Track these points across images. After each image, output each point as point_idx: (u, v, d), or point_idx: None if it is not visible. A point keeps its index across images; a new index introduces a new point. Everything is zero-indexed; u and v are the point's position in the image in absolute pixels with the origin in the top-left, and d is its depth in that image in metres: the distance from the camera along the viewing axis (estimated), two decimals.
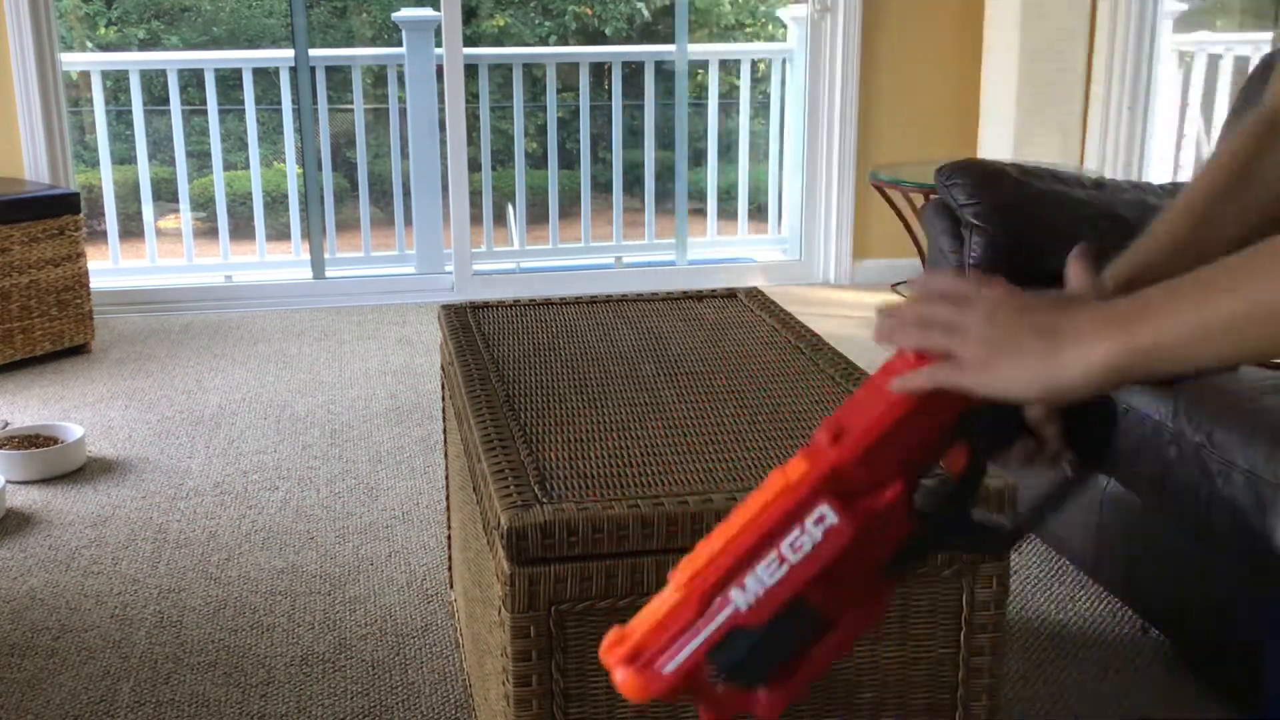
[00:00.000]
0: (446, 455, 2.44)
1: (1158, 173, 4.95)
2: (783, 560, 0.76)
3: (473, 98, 5.18)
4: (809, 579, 0.76)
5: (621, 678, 0.78)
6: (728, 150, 6.15)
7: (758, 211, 5.82)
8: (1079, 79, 4.75)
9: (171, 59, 6.82)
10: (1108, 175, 4.12)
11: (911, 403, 0.78)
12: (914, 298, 0.80)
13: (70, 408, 3.69)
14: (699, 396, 1.87)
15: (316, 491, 3.11)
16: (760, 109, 6.13)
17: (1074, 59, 4.72)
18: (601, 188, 6.04)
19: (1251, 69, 3.22)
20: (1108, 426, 0.87)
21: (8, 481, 3.09)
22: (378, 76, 6.47)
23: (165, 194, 5.88)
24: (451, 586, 2.51)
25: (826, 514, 0.76)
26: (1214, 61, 5.14)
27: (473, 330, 2.21)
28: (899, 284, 4.98)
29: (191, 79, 5.74)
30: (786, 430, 1.73)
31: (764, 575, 0.76)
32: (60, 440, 3.26)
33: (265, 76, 5.89)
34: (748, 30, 8.49)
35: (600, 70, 6.64)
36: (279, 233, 5.81)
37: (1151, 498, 2.25)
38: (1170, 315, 0.68)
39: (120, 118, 6.16)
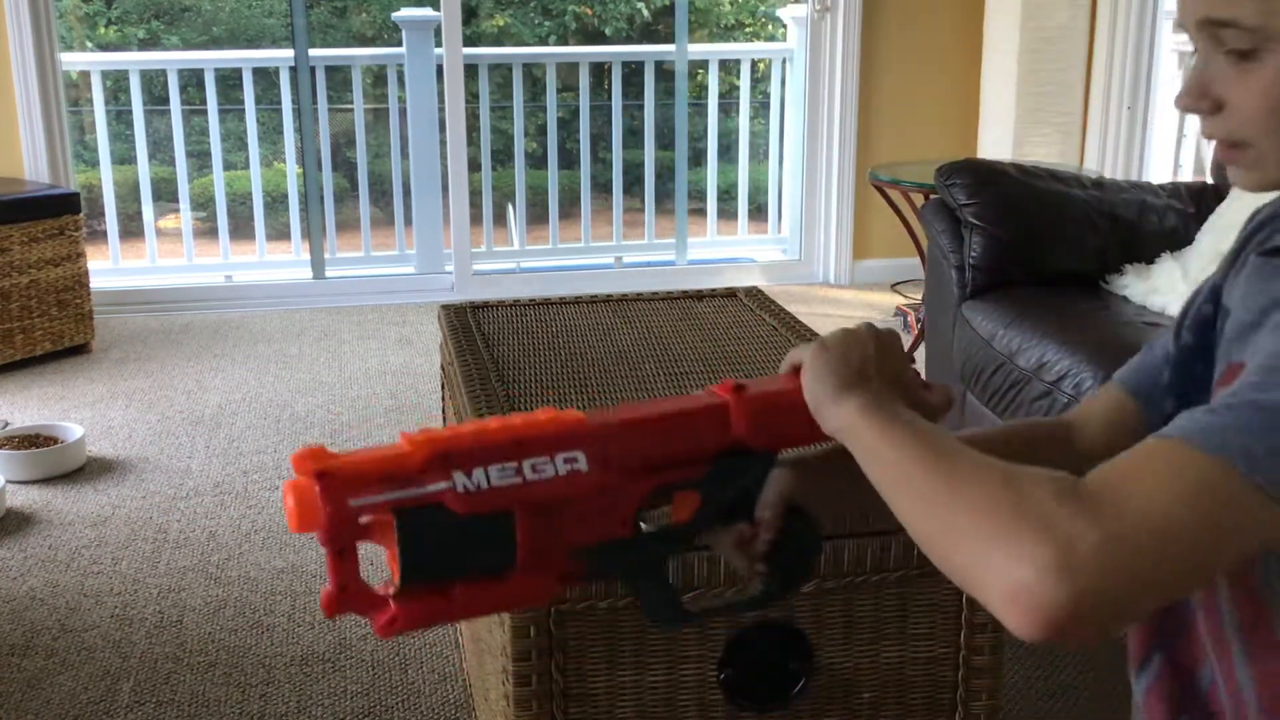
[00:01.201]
0: None
1: (1157, 173, 4.95)
2: (519, 473, 0.77)
3: (473, 98, 5.18)
4: (530, 501, 0.77)
5: (298, 488, 0.75)
6: (727, 150, 6.15)
7: (757, 211, 5.82)
8: (1079, 79, 4.75)
9: (171, 59, 6.82)
10: (1108, 175, 4.12)
11: (691, 411, 0.84)
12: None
13: (70, 408, 3.69)
14: None
15: None
16: (760, 109, 6.13)
17: (1074, 59, 4.72)
18: (601, 188, 6.04)
19: None
20: (809, 555, 0.92)
21: (8, 481, 3.09)
22: (378, 76, 6.47)
23: (165, 194, 5.88)
24: None
25: (580, 458, 0.78)
26: None
27: (473, 330, 2.21)
28: (899, 284, 4.99)
29: (191, 79, 5.74)
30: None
31: (494, 475, 0.76)
32: (60, 440, 3.26)
33: (265, 76, 5.89)
34: (748, 30, 8.49)
35: (600, 70, 6.64)
36: (279, 233, 5.81)
37: None
38: (889, 429, 0.78)
39: (120, 118, 6.16)
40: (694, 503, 0.85)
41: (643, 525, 0.83)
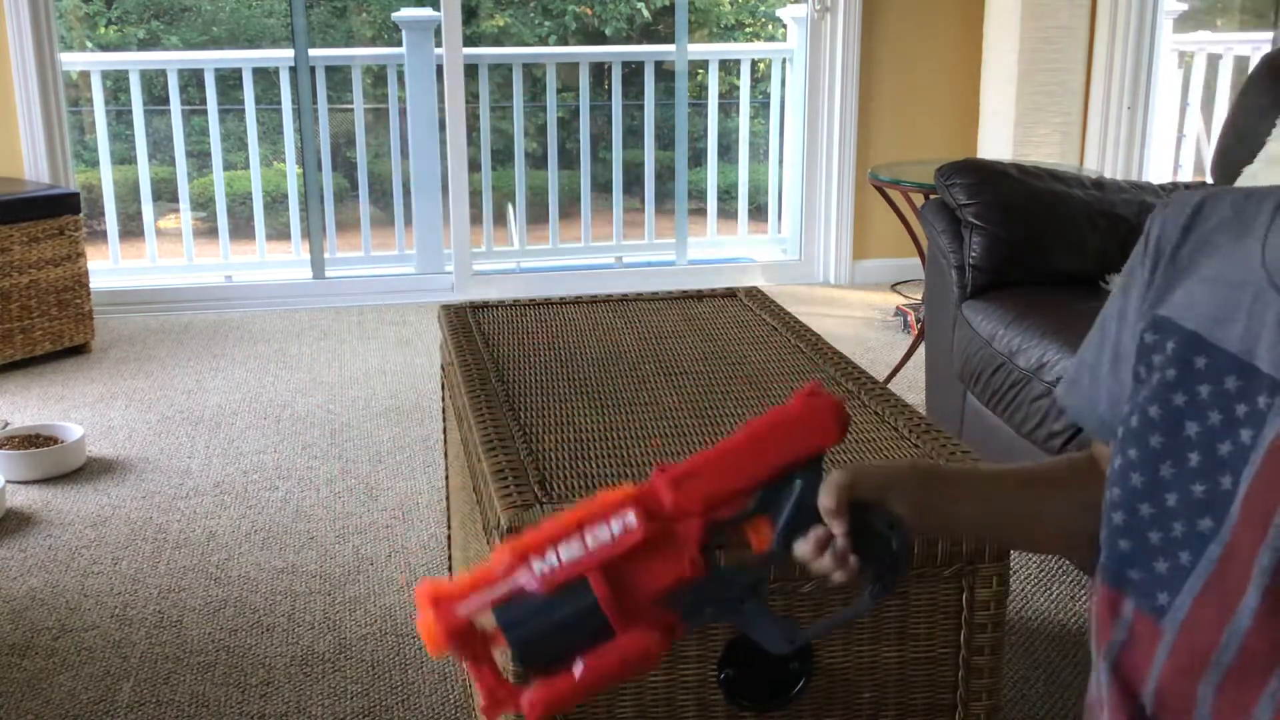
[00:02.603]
0: (446, 455, 2.44)
1: (1157, 173, 4.95)
2: (583, 545, 0.88)
3: (473, 98, 5.18)
4: (597, 563, 0.87)
5: (422, 619, 0.88)
6: (727, 150, 6.15)
7: (757, 211, 5.82)
8: (1079, 79, 4.75)
9: (171, 59, 6.82)
10: (1108, 175, 4.12)
11: (739, 444, 0.94)
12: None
13: (70, 408, 3.69)
14: (699, 396, 1.87)
15: (316, 491, 3.11)
16: (760, 109, 6.13)
17: (1074, 59, 4.72)
18: (601, 188, 6.03)
19: (1251, 69, 3.22)
20: (896, 545, 0.96)
21: (8, 481, 3.09)
22: (378, 76, 6.47)
23: (165, 194, 5.88)
24: None
25: (629, 517, 0.89)
26: (1214, 61, 5.14)
27: (473, 330, 2.21)
28: (899, 284, 4.99)
29: (191, 79, 5.74)
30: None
31: (563, 552, 0.88)
32: (60, 440, 3.26)
33: (265, 76, 5.89)
34: (748, 30, 8.49)
35: (600, 70, 6.64)
36: (279, 233, 5.80)
37: None
38: None
39: (120, 118, 6.16)
40: (765, 528, 0.93)
41: (720, 563, 0.92)
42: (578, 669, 0.88)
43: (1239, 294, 0.87)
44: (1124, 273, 1.00)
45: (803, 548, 0.94)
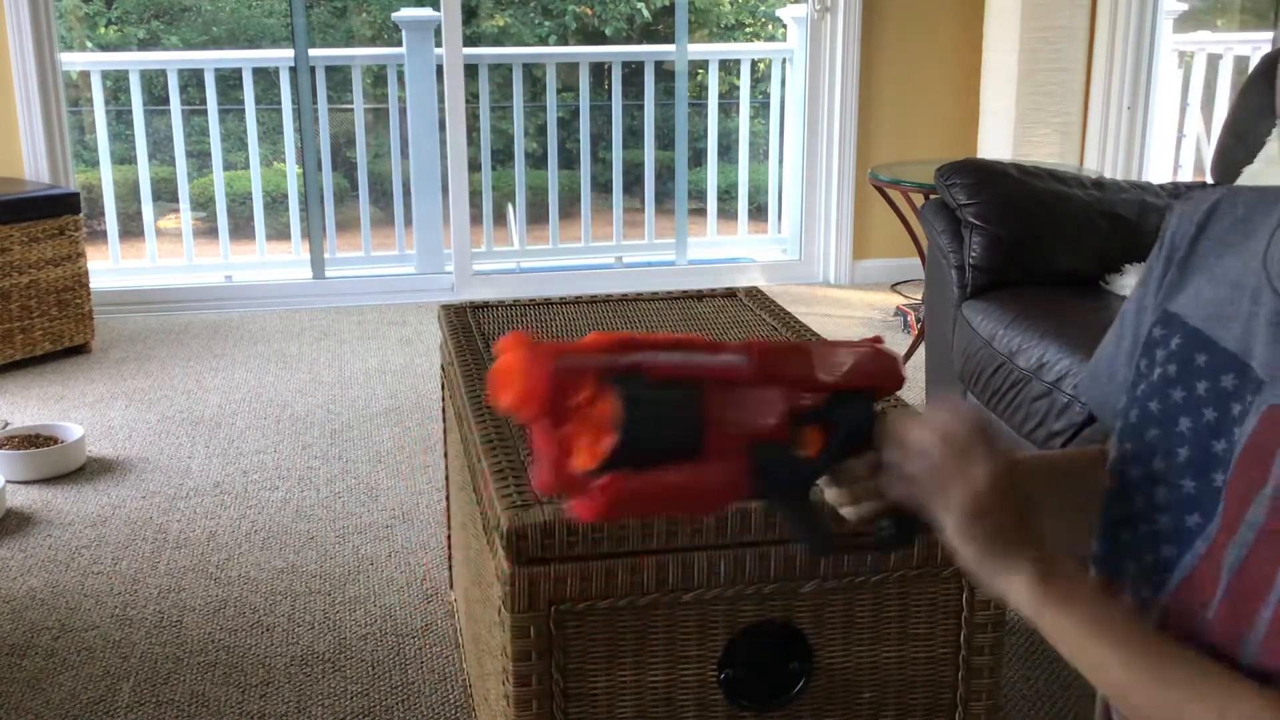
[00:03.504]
0: (446, 455, 2.44)
1: (1158, 173, 4.95)
2: (691, 360, 0.82)
3: (473, 98, 5.18)
4: (712, 375, 0.82)
5: (512, 361, 0.78)
6: (727, 150, 6.15)
7: (757, 211, 5.82)
8: (1079, 79, 4.75)
9: (171, 59, 6.82)
10: (1108, 175, 4.12)
11: (824, 347, 0.89)
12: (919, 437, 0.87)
13: (70, 408, 3.69)
14: None
15: (316, 491, 3.11)
16: (760, 109, 6.13)
17: (1074, 59, 4.72)
18: (601, 188, 6.04)
19: (1251, 69, 3.22)
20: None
21: (8, 481, 3.09)
22: (378, 76, 6.47)
23: (165, 194, 5.88)
24: (451, 586, 2.51)
25: (739, 357, 0.84)
26: (1214, 61, 5.15)
27: (473, 330, 2.21)
28: (899, 284, 4.99)
29: (191, 79, 5.74)
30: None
31: (677, 357, 0.82)
32: (60, 440, 3.26)
33: (265, 76, 5.89)
34: (748, 30, 8.49)
35: (600, 70, 6.64)
36: (279, 232, 5.81)
37: None
38: (1071, 629, 0.81)
39: (120, 118, 6.16)
40: (819, 439, 0.88)
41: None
42: (653, 475, 0.80)
43: (1240, 293, 0.88)
44: (1144, 267, 1.02)
45: (857, 464, 0.90)
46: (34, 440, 3.25)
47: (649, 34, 8.31)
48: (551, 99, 5.47)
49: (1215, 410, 0.87)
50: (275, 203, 5.86)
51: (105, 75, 5.39)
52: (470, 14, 7.77)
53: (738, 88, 5.82)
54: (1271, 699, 0.73)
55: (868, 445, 0.90)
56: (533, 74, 6.53)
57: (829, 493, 0.92)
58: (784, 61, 5.44)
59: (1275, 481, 0.81)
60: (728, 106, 6.37)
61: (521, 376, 0.77)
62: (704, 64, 6.30)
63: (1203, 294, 0.91)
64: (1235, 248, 0.91)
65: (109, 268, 5.05)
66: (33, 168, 4.45)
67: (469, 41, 5.53)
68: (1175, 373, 0.90)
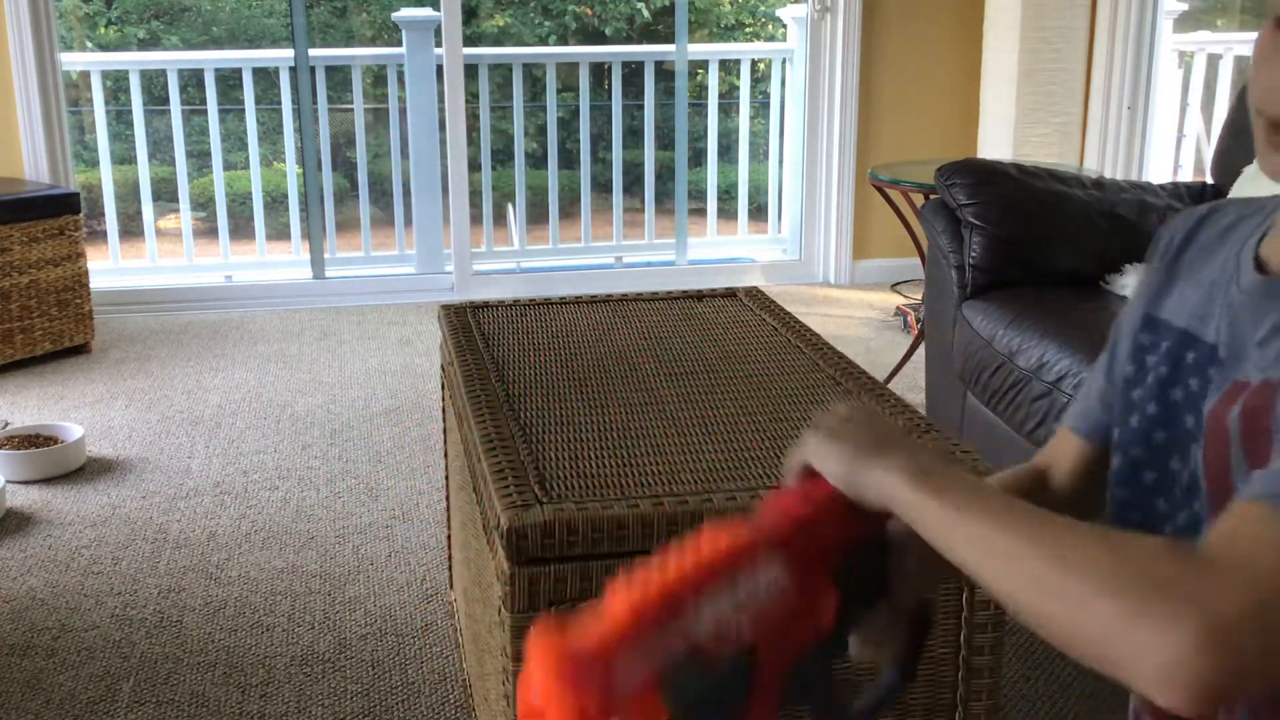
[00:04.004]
0: (446, 455, 2.44)
1: (1157, 173, 4.95)
2: (734, 600, 0.71)
3: (473, 98, 5.17)
4: (763, 622, 0.72)
5: (555, 686, 0.67)
6: (728, 150, 6.15)
7: (757, 211, 5.82)
8: (1079, 79, 4.75)
9: (171, 59, 6.82)
10: (1108, 175, 4.12)
11: (817, 513, 0.80)
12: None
13: (70, 408, 3.69)
14: (699, 396, 1.87)
15: (316, 491, 3.11)
16: (760, 109, 6.13)
17: (1074, 59, 4.72)
18: (601, 188, 6.03)
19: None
20: (921, 636, 0.88)
21: (8, 481, 3.09)
22: (378, 76, 6.47)
23: (165, 194, 5.87)
24: (451, 586, 2.51)
25: (778, 573, 0.74)
26: (1214, 61, 5.14)
27: (473, 330, 2.21)
28: (898, 284, 4.99)
29: (191, 79, 5.74)
30: (786, 429, 1.73)
31: (713, 607, 0.70)
32: (60, 440, 3.26)
33: (265, 76, 5.89)
34: (748, 30, 8.49)
35: (600, 70, 6.64)
36: (279, 233, 5.80)
37: None
38: (947, 495, 0.75)
39: (120, 118, 6.15)
40: (833, 601, 0.78)
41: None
42: None
43: (1217, 292, 0.91)
44: (1137, 284, 1.04)
45: (878, 623, 0.86)
46: (34, 440, 3.25)
47: (649, 34, 8.31)
48: (551, 99, 5.47)
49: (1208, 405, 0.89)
50: (275, 203, 5.86)
51: (105, 75, 5.39)
52: (470, 14, 7.77)
53: (738, 88, 5.82)
54: (1163, 540, 0.72)
55: (881, 590, 0.83)
56: (533, 74, 6.53)
57: (852, 647, 0.86)
58: (784, 61, 5.44)
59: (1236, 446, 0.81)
60: (728, 106, 6.37)
61: (558, 706, 0.65)
62: (704, 64, 6.29)
63: (1186, 297, 0.94)
64: (1219, 253, 0.94)
65: (109, 268, 5.05)
66: (33, 168, 4.44)
67: (469, 41, 5.53)
68: (1167, 374, 0.92)
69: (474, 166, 5.19)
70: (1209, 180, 3.27)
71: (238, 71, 5.28)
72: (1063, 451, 1.04)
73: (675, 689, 0.67)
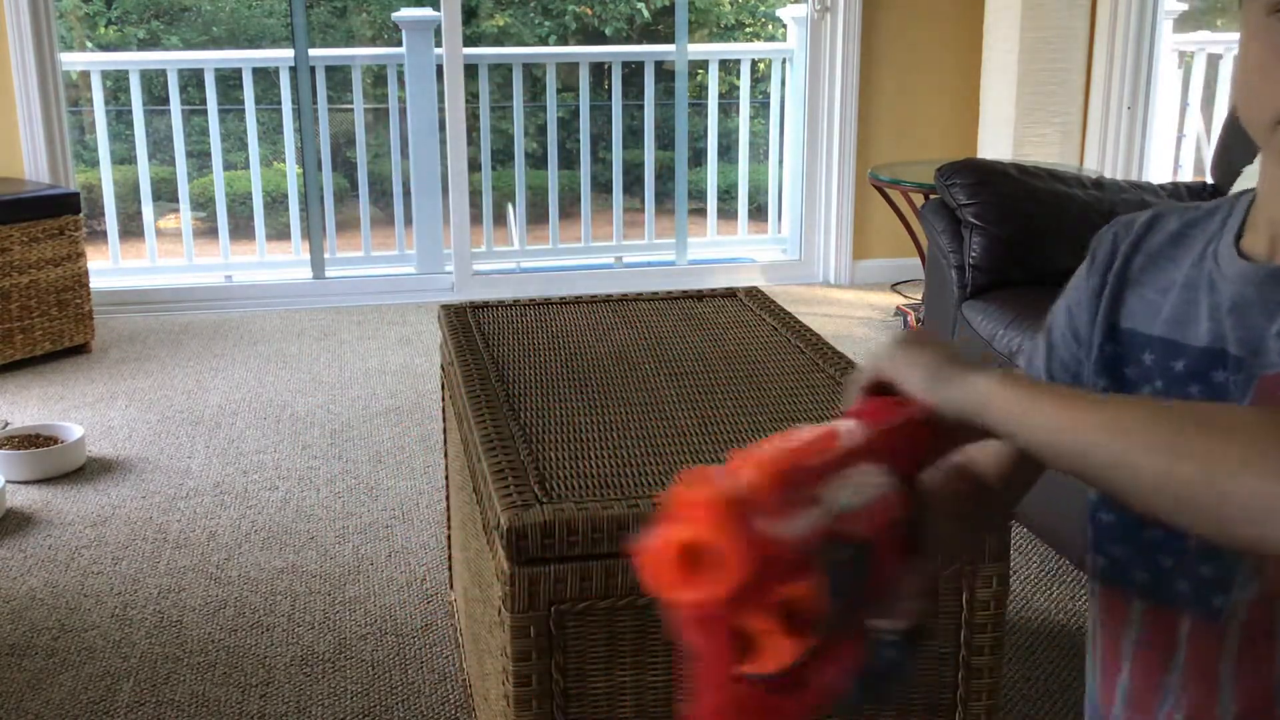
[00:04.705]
0: (446, 455, 2.44)
1: (1157, 172, 4.95)
2: (857, 493, 0.68)
3: (473, 98, 5.17)
4: (877, 519, 0.68)
5: (704, 529, 0.59)
6: (727, 150, 6.15)
7: (757, 211, 5.82)
8: (1079, 79, 4.75)
9: (171, 59, 6.82)
10: (1108, 175, 4.12)
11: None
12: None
13: (70, 408, 3.69)
14: (699, 396, 1.87)
15: (316, 491, 3.11)
16: (760, 109, 6.13)
17: (1074, 59, 4.72)
18: (601, 188, 6.03)
19: None
20: (932, 606, 0.82)
21: (8, 481, 3.09)
22: (378, 76, 6.47)
23: (165, 194, 5.87)
24: (451, 586, 2.51)
25: (884, 479, 0.71)
26: (1214, 61, 5.14)
27: (473, 330, 2.21)
28: (899, 284, 4.99)
29: (191, 79, 5.74)
30: (786, 429, 1.73)
31: (853, 497, 0.66)
32: (60, 440, 3.26)
33: (265, 76, 5.89)
34: (748, 30, 8.48)
35: (600, 70, 6.64)
36: (279, 233, 5.80)
37: None
38: (1047, 393, 0.75)
39: (120, 118, 6.15)
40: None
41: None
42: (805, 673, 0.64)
43: (1194, 293, 0.89)
44: (1067, 289, 1.02)
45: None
46: (34, 440, 3.25)
47: (649, 34, 8.31)
48: (551, 99, 5.47)
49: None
50: (275, 203, 5.86)
51: (105, 75, 5.39)
52: (470, 14, 7.77)
53: (738, 88, 5.82)
54: (1271, 411, 0.70)
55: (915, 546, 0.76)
56: (533, 74, 6.53)
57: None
58: (784, 61, 5.43)
59: None
60: (728, 106, 6.37)
61: (720, 558, 0.58)
62: (704, 64, 6.29)
63: (1153, 305, 0.92)
64: (1175, 260, 0.93)
65: (109, 268, 5.05)
66: (33, 168, 4.44)
67: (469, 41, 5.53)
68: (1163, 387, 0.90)
69: (474, 166, 5.19)
70: (1209, 180, 3.27)
71: (238, 71, 5.28)
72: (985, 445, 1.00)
73: (831, 580, 0.63)
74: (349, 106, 5.63)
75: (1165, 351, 0.90)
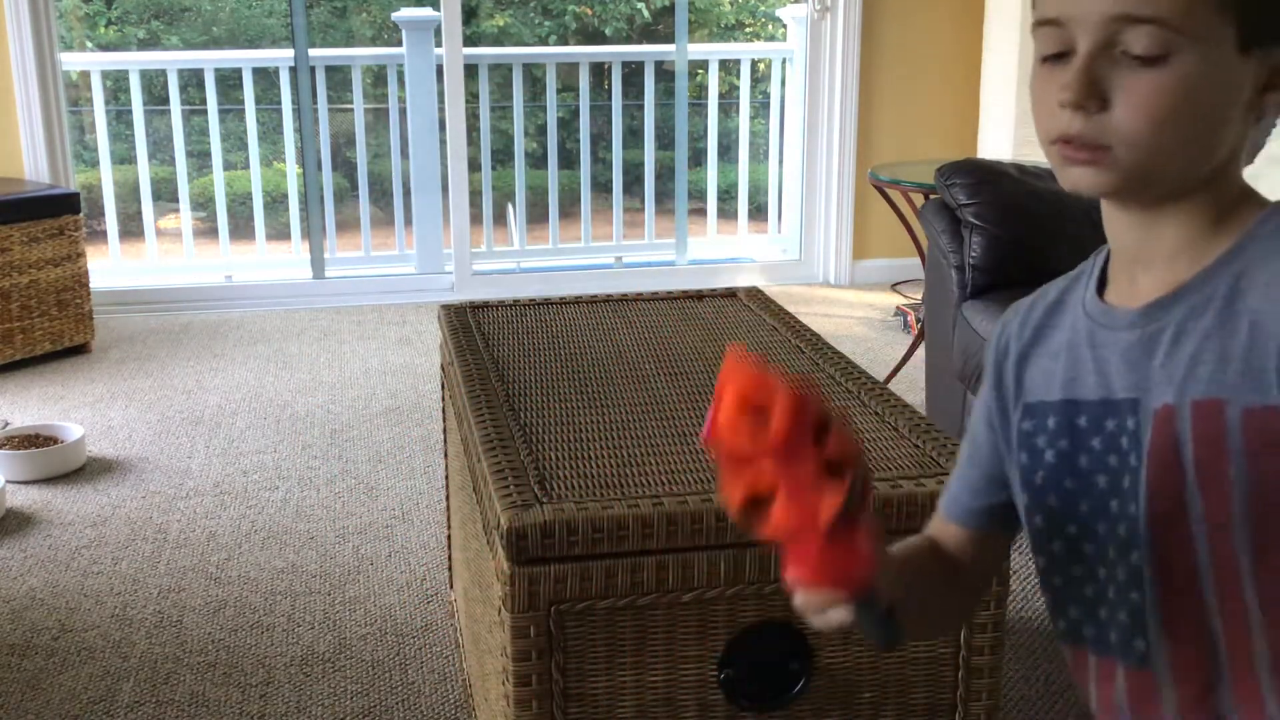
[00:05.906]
0: (446, 455, 2.44)
1: None
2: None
3: (473, 98, 5.17)
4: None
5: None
6: (727, 150, 6.15)
7: (757, 211, 5.82)
8: None
9: (171, 59, 6.82)
10: None
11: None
12: None
13: (70, 408, 3.69)
14: (699, 396, 1.87)
15: (316, 491, 3.11)
16: (760, 109, 6.13)
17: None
18: (601, 188, 6.03)
19: None
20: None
21: (8, 481, 3.09)
22: (378, 76, 6.47)
23: (165, 194, 5.87)
24: (451, 586, 2.51)
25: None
26: None
27: (473, 330, 2.21)
28: (899, 284, 4.99)
29: (191, 79, 5.74)
30: None
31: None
32: (60, 440, 3.26)
33: (265, 76, 5.89)
34: (748, 30, 8.48)
35: (600, 70, 6.64)
36: (279, 232, 5.80)
37: None
38: None
39: (120, 118, 6.15)
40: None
41: None
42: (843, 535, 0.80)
43: (1076, 350, 0.93)
44: (976, 401, 1.07)
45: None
46: (34, 440, 3.25)
47: (649, 34, 8.31)
48: (551, 99, 5.47)
49: (1115, 455, 0.89)
50: (275, 203, 5.86)
51: (105, 75, 5.39)
52: (470, 14, 7.77)
53: (738, 88, 5.82)
54: None
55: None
56: (533, 74, 6.53)
57: None
58: (784, 61, 5.44)
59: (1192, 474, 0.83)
60: (728, 106, 6.37)
61: (776, 403, 0.76)
62: (704, 64, 6.29)
63: (1049, 372, 0.95)
64: (1058, 325, 0.96)
65: (109, 268, 5.05)
66: (33, 168, 4.45)
67: (469, 41, 5.54)
68: (1068, 446, 0.92)
69: (474, 166, 5.19)
70: None
71: (238, 71, 5.28)
72: (942, 531, 1.05)
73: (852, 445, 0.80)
74: (349, 106, 5.63)
75: (1066, 412, 0.93)
